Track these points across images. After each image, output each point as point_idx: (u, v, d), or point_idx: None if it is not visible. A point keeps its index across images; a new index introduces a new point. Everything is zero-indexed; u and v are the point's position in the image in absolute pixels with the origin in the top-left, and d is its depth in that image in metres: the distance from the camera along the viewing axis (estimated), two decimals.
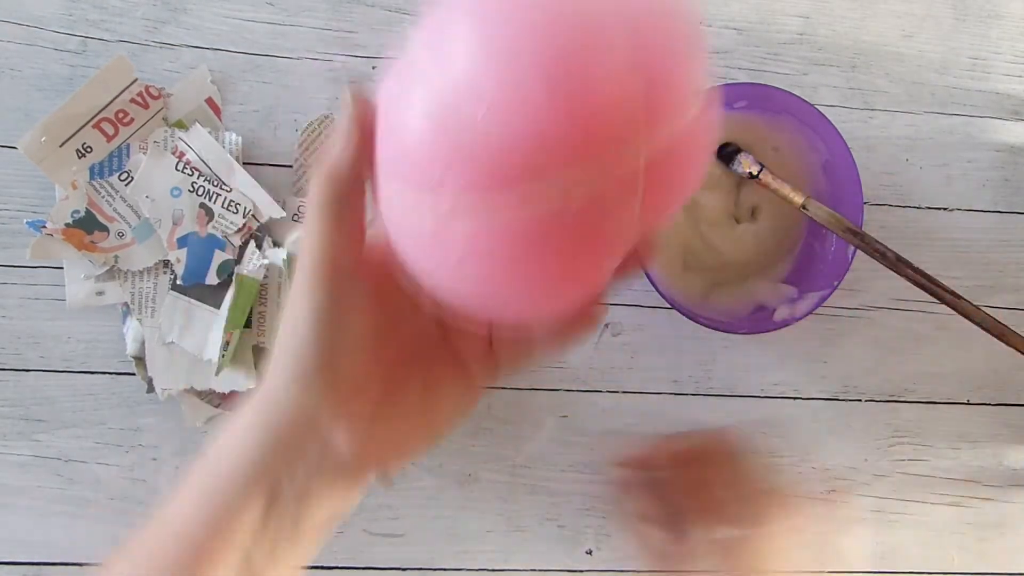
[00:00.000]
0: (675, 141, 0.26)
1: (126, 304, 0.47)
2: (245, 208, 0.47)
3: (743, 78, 0.52)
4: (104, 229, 0.47)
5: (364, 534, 0.49)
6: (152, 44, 0.48)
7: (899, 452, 0.53)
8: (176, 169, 0.47)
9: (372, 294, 0.29)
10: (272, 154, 0.49)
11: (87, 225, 0.47)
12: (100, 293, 0.47)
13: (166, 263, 0.47)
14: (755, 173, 0.47)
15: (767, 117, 0.49)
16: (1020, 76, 0.54)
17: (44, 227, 0.46)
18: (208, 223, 0.47)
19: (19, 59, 0.47)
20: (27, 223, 0.46)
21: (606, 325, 0.51)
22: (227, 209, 0.47)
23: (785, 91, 0.47)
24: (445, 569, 0.50)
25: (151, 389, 0.47)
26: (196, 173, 0.47)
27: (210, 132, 0.48)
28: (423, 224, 0.25)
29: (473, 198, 0.24)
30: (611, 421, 0.51)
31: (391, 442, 0.30)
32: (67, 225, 0.46)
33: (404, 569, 0.50)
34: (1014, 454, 0.54)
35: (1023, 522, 0.54)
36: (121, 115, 0.47)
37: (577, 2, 0.24)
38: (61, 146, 0.46)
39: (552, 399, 0.51)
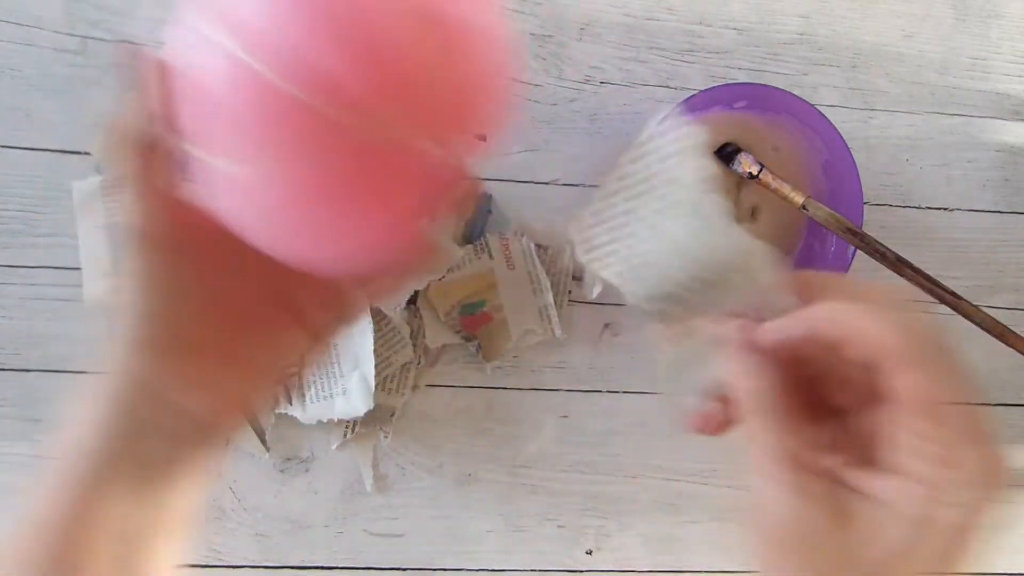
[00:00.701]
0: (464, 69, 0.26)
1: None
2: None
3: (743, 78, 0.52)
4: None
5: (364, 534, 0.49)
6: (152, 44, 0.48)
7: None
8: None
9: (201, 255, 0.28)
10: None
11: None
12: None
13: None
14: (755, 173, 0.47)
15: (767, 117, 0.49)
16: (1020, 76, 0.54)
17: None
18: None
19: (19, 59, 0.47)
20: None
21: (606, 325, 0.51)
22: None
23: (785, 91, 0.47)
24: (445, 569, 0.50)
25: None
26: None
27: None
28: (226, 178, 0.25)
29: (268, 153, 0.24)
30: (611, 421, 0.51)
31: (240, 396, 0.30)
32: None
33: (404, 569, 0.50)
34: (1014, 454, 0.54)
35: (1023, 522, 0.54)
36: None
37: None
38: None
39: (552, 399, 0.51)
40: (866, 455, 0.24)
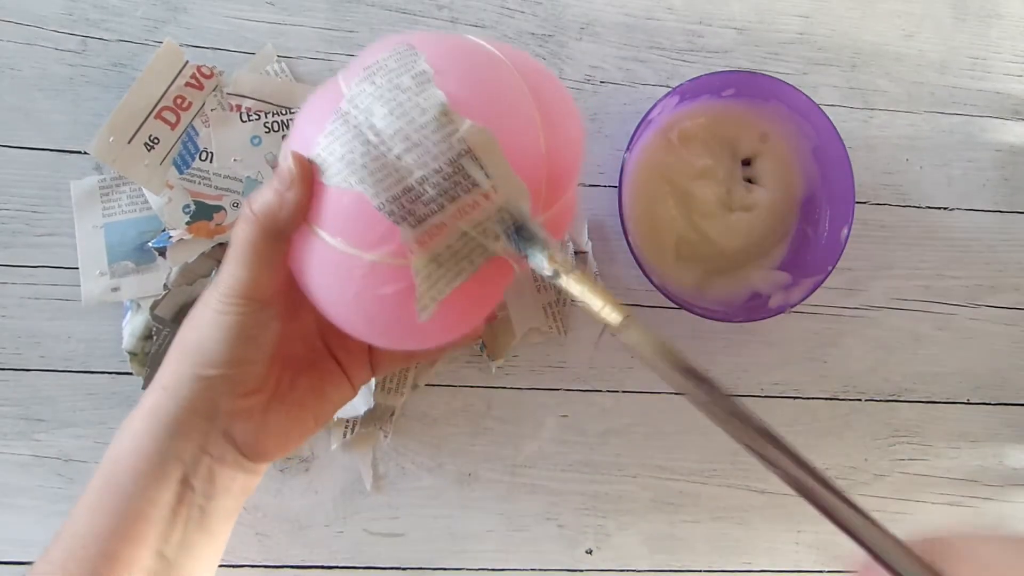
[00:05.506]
0: (553, 216, 0.33)
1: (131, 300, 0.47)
2: None
3: None
4: (219, 208, 0.47)
5: (364, 534, 0.49)
6: (152, 44, 0.48)
7: (899, 452, 0.53)
8: (242, 121, 0.48)
9: (279, 315, 0.33)
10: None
11: (204, 213, 0.47)
12: (115, 289, 0.47)
13: None
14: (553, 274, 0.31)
15: (755, 105, 0.49)
16: (1020, 76, 0.54)
17: (171, 238, 0.46)
18: None
19: (19, 59, 0.47)
20: (153, 245, 0.46)
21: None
22: None
23: (772, 77, 0.46)
24: (445, 569, 0.50)
25: (147, 385, 0.47)
26: (262, 114, 0.48)
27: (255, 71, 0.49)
28: (341, 272, 0.30)
29: (396, 260, 0.29)
30: (611, 421, 0.51)
31: (282, 433, 0.34)
32: (187, 224, 0.47)
33: (404, 569, 0.50)
34: (1014, 454, 0.54)
35: (1023, 522, 0.54)
36: (179, 101, 0.47)
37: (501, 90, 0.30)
38: (129, 142, 0.46)
39: (552, 399, 0.51)
40: None
